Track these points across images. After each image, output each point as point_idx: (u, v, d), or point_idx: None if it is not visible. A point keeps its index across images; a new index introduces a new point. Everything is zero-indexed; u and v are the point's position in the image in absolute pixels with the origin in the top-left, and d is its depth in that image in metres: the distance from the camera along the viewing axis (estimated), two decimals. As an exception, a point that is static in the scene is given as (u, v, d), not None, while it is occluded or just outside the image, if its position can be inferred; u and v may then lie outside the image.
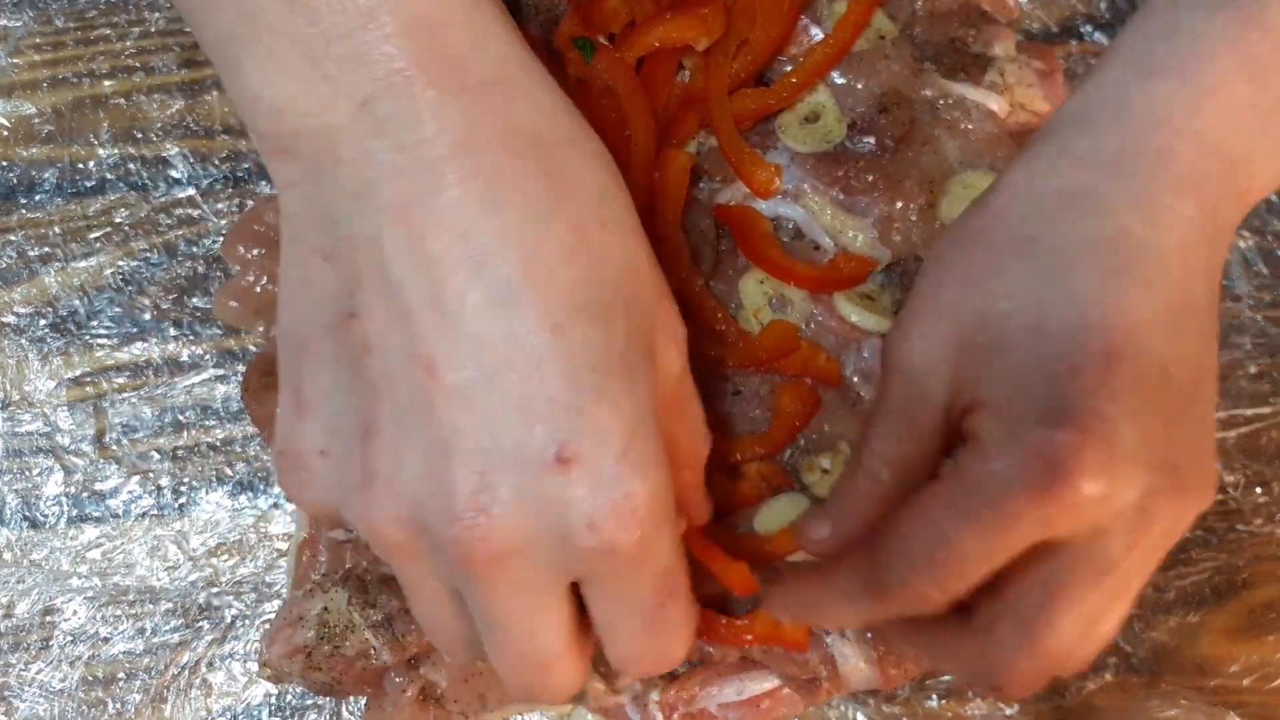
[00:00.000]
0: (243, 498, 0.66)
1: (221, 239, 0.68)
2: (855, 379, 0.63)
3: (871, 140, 0.64)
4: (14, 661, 0.64)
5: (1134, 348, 0.41)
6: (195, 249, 0.69)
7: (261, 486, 0.67)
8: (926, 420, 0.46)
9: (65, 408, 0.67)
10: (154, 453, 0.67)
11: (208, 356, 0.68)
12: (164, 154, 0.70)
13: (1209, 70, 0.45)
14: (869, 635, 0.59)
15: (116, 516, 0.66)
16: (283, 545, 0.66)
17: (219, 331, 0.68)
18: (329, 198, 0.40)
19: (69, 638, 0.65)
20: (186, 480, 0.67)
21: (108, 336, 0.68)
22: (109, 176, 0.70)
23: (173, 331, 0.68)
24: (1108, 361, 0.41)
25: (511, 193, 0.39)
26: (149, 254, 0.69)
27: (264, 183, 0.69)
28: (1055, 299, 0.42)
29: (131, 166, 0.70)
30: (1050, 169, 0.46)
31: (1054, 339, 0.42)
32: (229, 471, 0.67)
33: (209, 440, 0.67)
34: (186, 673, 0.65)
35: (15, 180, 0.70)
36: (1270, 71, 0.46)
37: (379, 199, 0.39)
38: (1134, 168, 0.44)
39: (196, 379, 0.68)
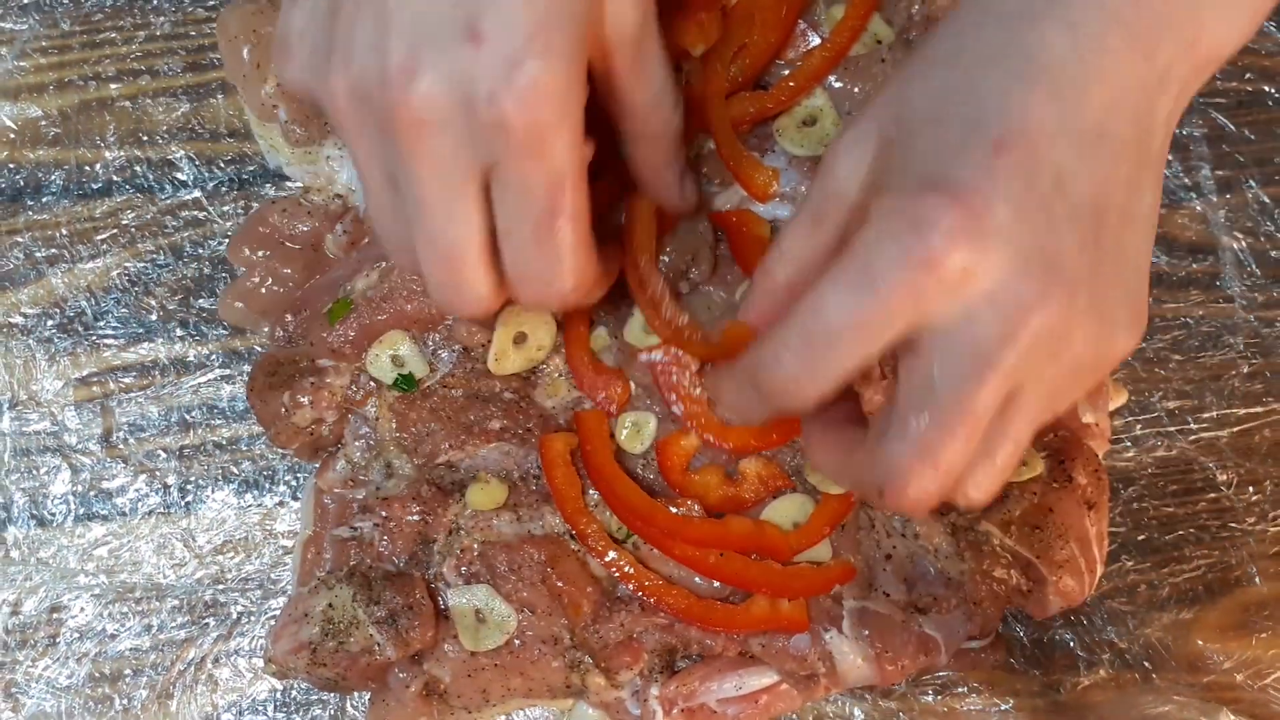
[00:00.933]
0: (249, 496, 0.67)
1: (227, 241, 0.69)
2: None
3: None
4: (21, 658, 0.65)
5: (1026, 144, 0.42)
6: (201, 250, 0.69)
7: (267, 485, 0.67)
8: (833, 216, 0.47)
9: (72, 407, 0.68)
10: (161, 451, 0.67)
11: (214, 357, 0.68)
12: (170, 156, 0.71)
13: None
14: (866, 633, 0.59)
15: (123, 514, 0.67)
16: (288, 542, 0.67)
17: (225, 332, 0.68)
18: None
19: (76, 634, 0.65)
20: (193, 479, 0.67)
21: (114, 337, 0.69)
22: (115, 179, 0.70)
23: (179, 332, 0.69)
24: (994, 147, 0.42)
25: None
26: (155, 255, 0.69)
27: (268, 185, 0.70)
28: (962, 96, 0.44)
29: (138, 169, 0.70)
30: None
31: (951, 128, 0.43)
32: (235, 470, 0.67)
33: (215, 439, 0.68)
34: (193, 669, 0.65)
35: (22, 182, 0.70)
36: None
37: None
38: None
39: (203, 379, 0.68)
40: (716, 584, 0.60)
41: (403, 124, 0.46)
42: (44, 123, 0.71)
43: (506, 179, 0.47)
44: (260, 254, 0.66)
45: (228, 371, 0.68)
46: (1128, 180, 0.45)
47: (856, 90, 0.66)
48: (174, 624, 0.65)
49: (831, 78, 0.66)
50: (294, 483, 0.67)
